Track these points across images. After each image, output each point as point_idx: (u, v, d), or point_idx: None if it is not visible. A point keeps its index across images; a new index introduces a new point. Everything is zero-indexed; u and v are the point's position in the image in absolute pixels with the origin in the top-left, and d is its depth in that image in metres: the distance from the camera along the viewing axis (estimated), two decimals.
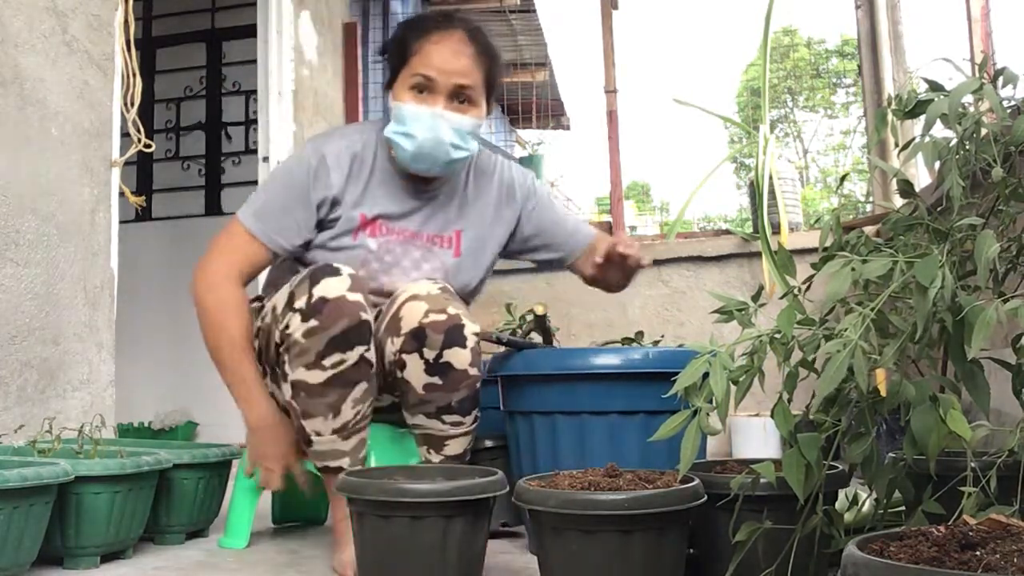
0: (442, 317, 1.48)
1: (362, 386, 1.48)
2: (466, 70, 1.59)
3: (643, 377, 1.43)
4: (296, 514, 1.99)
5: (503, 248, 1.81)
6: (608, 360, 1.45)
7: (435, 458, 1.58)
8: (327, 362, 1.44)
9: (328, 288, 1.45)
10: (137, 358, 4.03)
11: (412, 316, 1.49)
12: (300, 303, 1.46)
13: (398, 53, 1.63)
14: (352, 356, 1.45)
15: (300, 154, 1.68)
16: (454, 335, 1.48)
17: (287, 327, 1.47)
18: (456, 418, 1.55)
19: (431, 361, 1.49)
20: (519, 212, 1.79)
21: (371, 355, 1.48)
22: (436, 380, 1.50)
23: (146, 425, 4.02)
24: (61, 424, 1.97)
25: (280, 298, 1.53)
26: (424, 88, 1.58)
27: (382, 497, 1.21)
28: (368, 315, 1.48)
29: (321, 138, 1.71)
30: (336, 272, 1.47)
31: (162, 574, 1.44)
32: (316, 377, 1.45)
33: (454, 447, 1.57)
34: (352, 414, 1.49)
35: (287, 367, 1.48)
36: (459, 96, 1.60)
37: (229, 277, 1.60)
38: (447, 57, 1.57)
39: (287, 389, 1.49)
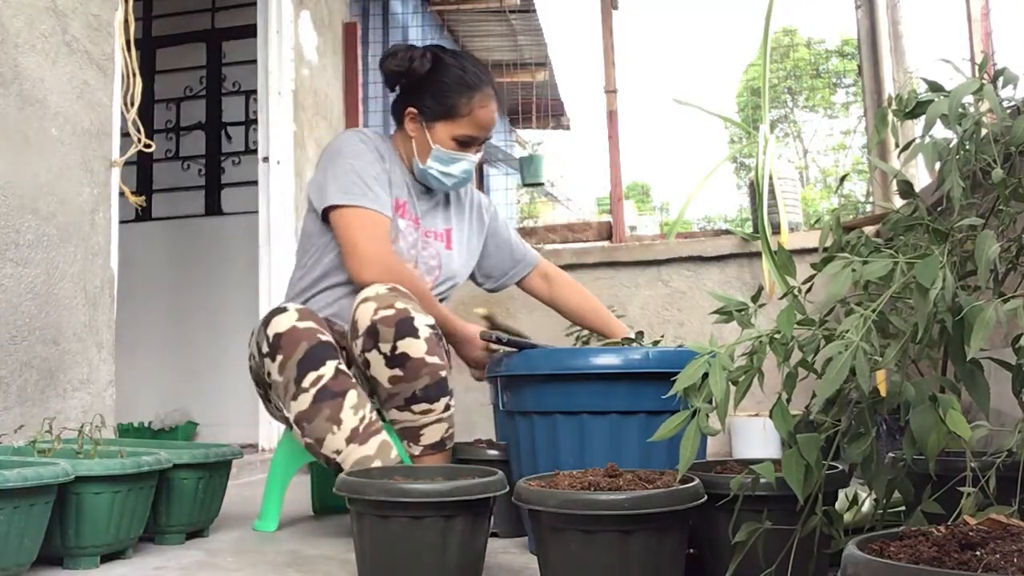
0: (390, 312, 1.59)
1: (352, 394, 1.60)
2: (495, 126, 1.94)
3: (643, 377, 1.43)
4: (334, 503, 2.04)
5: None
6: (608, 360, 1.45)
7: (416, 450, 1.67)
8: (306, 383, 1.59)
9: (278, 324, 1.63)
10: (137, 358, 4.03)
11: (364, 316, 1.61)
12: (264, 348, 1.65)
13: (445, 104, 1.87)
14: (327, 370, 1.60)
15: (353, 142, 1.88)
16: (405, 327, 1.59)
17: (268, 373, 1.65)
18: (424, 406, 1.63)
19: (388, 355, 1.59)
20: (487, 227, 2.11)
21: (344, 367, 1.63)
22: (397, 372, 1.60)
23: (146, 425, 4.02)
24: (61, 424, 1.97)
25: (253, 345, 1.73)
26: (468, 144, 1.90)
27: (382, 497, 1.21)
28: (326, 336, 1.64)
29: (358, 131, 1.97)
30: (283, 310, 1.67)
31: (162, 574, 1.44)
32: (305, 402, 1.60)
33: (430, 435, 1.66)
34: (356, 420, 1.59)
35: (285, 412, 1.65)
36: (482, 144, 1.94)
37: (389, 252, 1.78)
38: (489, 121, 1.90)
39: (297, 432, 1.64)
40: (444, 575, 1.22)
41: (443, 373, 1.63)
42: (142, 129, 2.52)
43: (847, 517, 1.24)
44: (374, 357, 1.60)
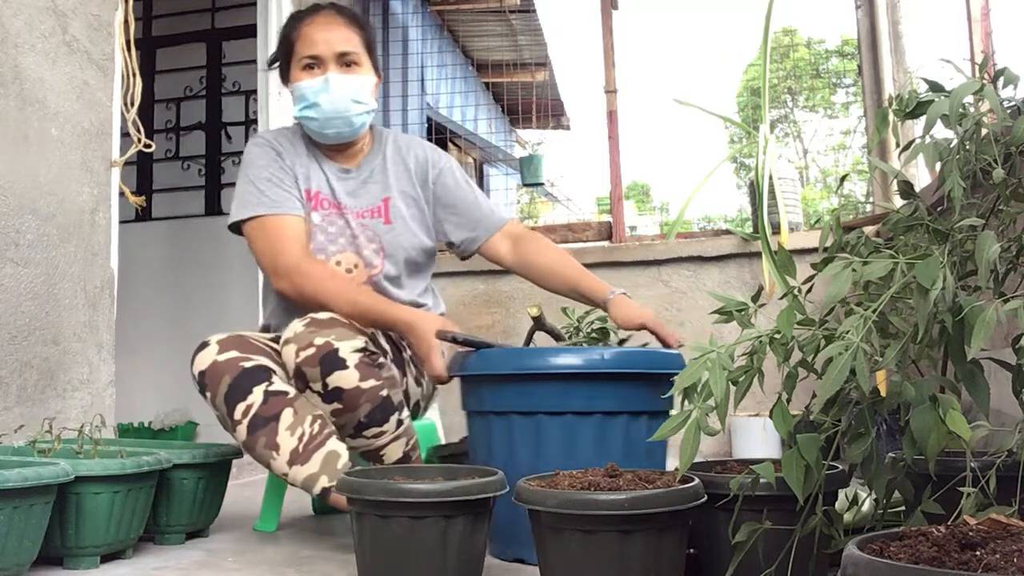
0: (311, 351, 1.53)
1: (287, 413, 1.56)
2: (342, 38, 1.79)
3: (601, 378, 1.43)
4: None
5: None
6: (565, 360, 1.44)
7: None
8: (238, 415, 1.56)
9: (200, 362, 1.59)
10: (137, 358, 4.02)
11: (289, 360, 1.56)
12: (198, 387, 1.61)
13: (284, 49, 1.85)
14: (256, 397, 1.56)
15: (250, 150, 1.85)
16: (329, 362, 1.53)
17: (212, 407, 1.61)
18: (374, 430, 1.59)
19: (323, 392, 1.55)
20: (433, 186, 1.91)
21: (278, 386, 1.57)
22: (336, 406, 1.56)
23: (146, 425, 4.02)
24: (61, 424, 1.97)
25: None
26: (313, 65, 1.78)
27: (382, 497, 1.21)
28: (252, 361, 1.58)
29: (255, 136, 1.91)
30: (204, 345, 1.61)
31: (162, 574, 1.44)
32: (242, 432, 1.57)
33: (391, 454, 1.64)
34: (294, 440, 1.56)
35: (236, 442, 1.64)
36: (344, 61, 1.79)
37: (301, 258, 1.72)
38: (322, 32, 1.78)
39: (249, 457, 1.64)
40: (444, 575, 1.22)
41: (383, 393, 1.57)
42: (142, 129, 2.52)
43: (847, 517, 1.24)
44: (310, 396, 1.57)
